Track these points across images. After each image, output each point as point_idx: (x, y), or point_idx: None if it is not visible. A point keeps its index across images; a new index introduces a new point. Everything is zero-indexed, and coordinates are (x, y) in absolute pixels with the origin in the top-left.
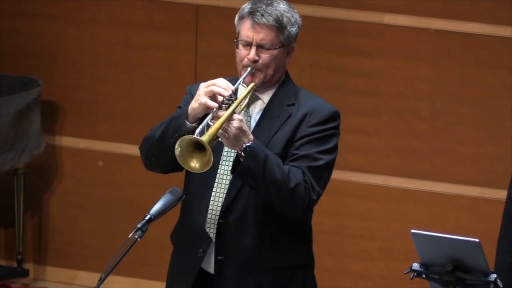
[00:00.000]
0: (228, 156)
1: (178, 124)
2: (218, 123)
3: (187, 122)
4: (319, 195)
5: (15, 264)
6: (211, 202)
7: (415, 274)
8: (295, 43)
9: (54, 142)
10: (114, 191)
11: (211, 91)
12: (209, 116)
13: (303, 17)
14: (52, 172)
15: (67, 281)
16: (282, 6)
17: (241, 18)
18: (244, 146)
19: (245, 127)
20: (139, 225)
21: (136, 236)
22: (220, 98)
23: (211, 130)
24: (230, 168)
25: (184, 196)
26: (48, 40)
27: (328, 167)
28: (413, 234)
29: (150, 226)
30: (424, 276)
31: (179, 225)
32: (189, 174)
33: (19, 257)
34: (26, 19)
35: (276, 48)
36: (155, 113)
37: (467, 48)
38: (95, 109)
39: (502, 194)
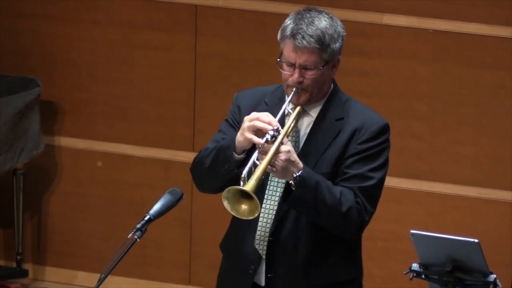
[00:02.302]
0: None
1: (226, 156)
2: (264, 163)
3: (235, 154)
4: (371, 215)
5: (14, 265)
6: (260, 219)
7: (414, 275)
8: (340, 54)
9: (53, 142)
10: (113, 191)
11: (254, 126)
12: (255, 154)
13: None
14: (51, 172)
15: (67, 281)
16: (324, 22)
17: (283, 38)
18: (295, 176)
19: (293, 157)
20: (138, 226)
21: (136, 237)
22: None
23: (257, 174)
24: (278, 185)
25: (183, 196)
26: (47, 40)
27: (380, 185)
28: (413, 234)
29: (149, 226)
30: (423, 276)
31: (230, 237)
32: None
33: (18, 257)
34: (25, 19)
35: (320, 68)
36: (154, 113)
37: (466, 48)
38: (94, 109)
39: (501, 194)
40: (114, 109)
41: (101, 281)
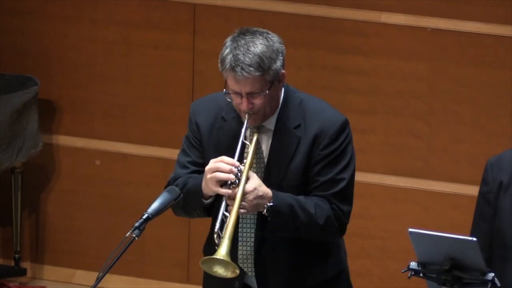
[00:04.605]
0: None
1: (195, 203)
2: (233, 215)
3: (203, 200)
4: (349, 213)
5: (12, 263)
6: (239, 237)
7: (413, 273)
8: (284, 68)
9: (51, 141)
10: (111, 189)
11: (216, 177)
12: (223, 205)
13: (299, 16)
14: (49, 171)
15: (65, 280)
16: (260, 46)
17: (224, 70)
18: (266, 207)
19: (261, 191)
20: (136, 224)
21: (134, 235)
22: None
23: (229, 232)
24: None
25: (182, 195)
26: (45, 38)
27: (351, 181)
28: (411, 232)
29: (147, 225)
30: (421, 275)
31: (212, 244)
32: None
33: (16, 256)
34: (23, 18)
35: (266, 92)
36: (152, 112)
37: (464, 46)
38: (92, 108)
39: None
40: (112, 108)
41: (99, 279)
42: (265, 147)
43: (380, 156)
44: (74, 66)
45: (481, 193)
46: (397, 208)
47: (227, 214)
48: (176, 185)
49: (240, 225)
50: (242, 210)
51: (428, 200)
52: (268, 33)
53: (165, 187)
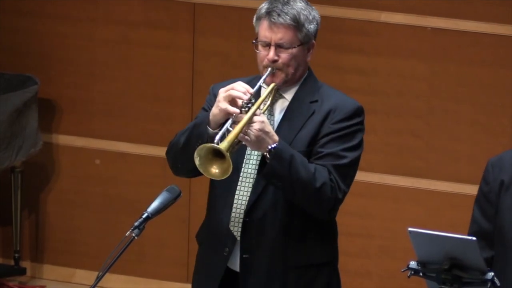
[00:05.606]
0: (251, 155)
1: (200, 131)
2: (237, 128)
3: (209, 128)
4: (345, 193)
5: (12, 262)
6: (235, 201)
7: (412, 272)
8: (315, 40)
9: (51, 140)
10: (111, 189)
11: (230, 95)
12: (229, 121)
13: None
14: (49, 170)
15: (64, 279)
16: (299, 4)
17: (259, 18)
18: (269, 148)
19: (268, 128)
20: (136, 223)
21: (133, 234)
22: (239, 102)
23: (230, 136)
24: (253, 167)
25: (181, 194)
26: (45, 38)
27: (353, 164)
28: (410, 232)
29: (147, 224)
30: (421, 274)
31: (205, 224)
32: None
33: (16, 255)
34: (23, 17)
35: (295, 47)
36: (152, 111)
37: (463, 46)
38: (92, 107)
39: None
40: (112, 107)
41: (99, 279)
42: (278, 115)
43: (380, 156)
44: (74, 65)
45: (481, 192)
46: (397, 207)
47: (230, 129)
48: (182, 133)
49: (238, 188)
50: (245, 137)
51: (428, 200)
52: (309, 3)
53: (171, 142)
